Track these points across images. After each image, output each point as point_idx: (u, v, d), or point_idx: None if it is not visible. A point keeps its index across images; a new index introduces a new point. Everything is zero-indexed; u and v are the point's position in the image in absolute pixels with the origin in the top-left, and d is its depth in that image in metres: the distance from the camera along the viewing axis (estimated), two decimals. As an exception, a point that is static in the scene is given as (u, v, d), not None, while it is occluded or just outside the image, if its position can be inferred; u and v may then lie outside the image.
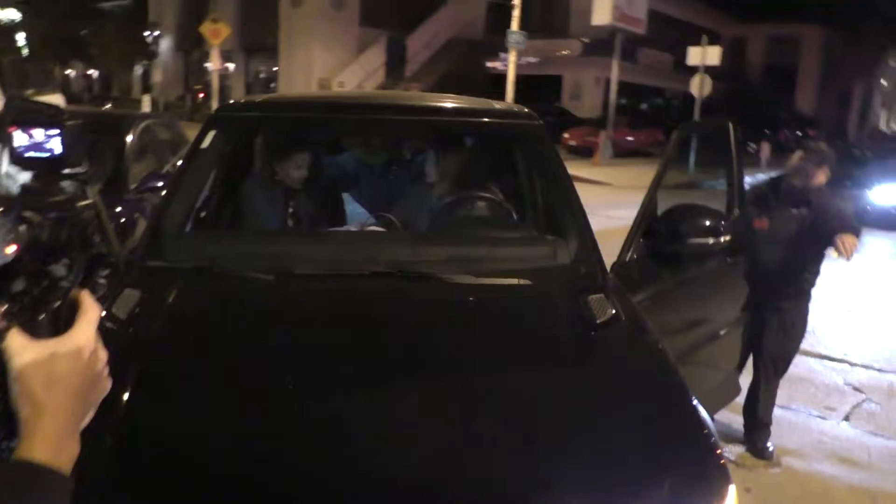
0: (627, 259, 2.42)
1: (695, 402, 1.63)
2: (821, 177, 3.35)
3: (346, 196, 3.38)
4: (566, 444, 1.45)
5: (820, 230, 3.22)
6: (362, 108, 2.77)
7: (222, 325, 1.90)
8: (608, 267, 2.28)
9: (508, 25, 17.91)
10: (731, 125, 3.05)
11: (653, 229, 2.54)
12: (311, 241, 2.46)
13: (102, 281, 2.16)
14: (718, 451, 1.51)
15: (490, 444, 1.44)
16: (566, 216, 2.39)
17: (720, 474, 1.44)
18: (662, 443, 1.49)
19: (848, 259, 3.10)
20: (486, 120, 2.71)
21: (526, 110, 2.73)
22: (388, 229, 2.78)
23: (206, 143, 2.54)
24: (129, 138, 5.18)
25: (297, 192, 2.93)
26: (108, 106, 20.38)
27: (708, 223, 2.55)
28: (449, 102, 2.72)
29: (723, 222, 2.63)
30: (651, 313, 2.11)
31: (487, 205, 2.85)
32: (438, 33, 29.33)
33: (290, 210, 2.88)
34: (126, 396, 1.48)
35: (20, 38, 31.64)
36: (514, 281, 2.13)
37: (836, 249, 3.10)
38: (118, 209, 4.47)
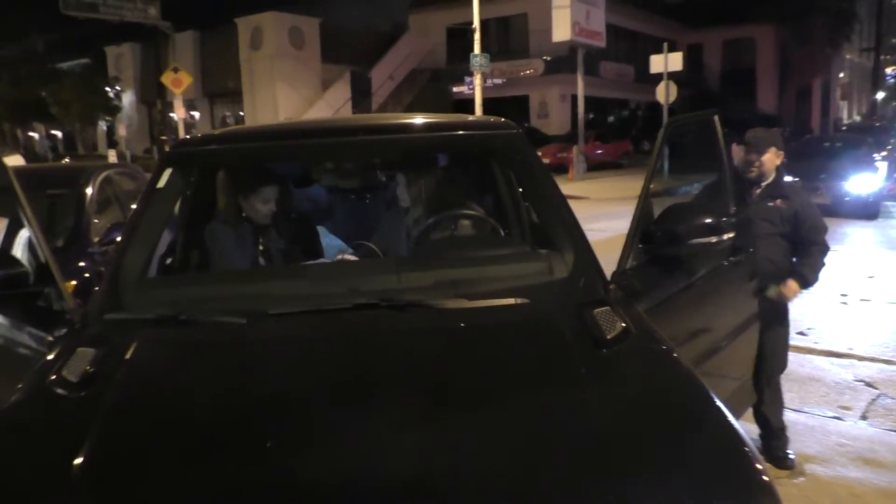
0: (627, 267, 2.26)
1: (727, 415, 1.50)
2: (773, 160, 3.32)
3: (320, 229, 3.25)
4: (601, 470, 1.33)
5: (799, 230, 3.28)
6: (328, 132, 2.63)
7: (190, 383, 1.70)
8: (608, 277, 2.15)
9: (470, 51, 18.10)
10: (716, 116, 2.91)
11: (650, 233, 2.40)
12: (285, 276, 2.29)
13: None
14: (761, 467, 1.40)
15: (518, 485, 1.29)
16: (558, 227, 2.26)
17: (767, 492, 1.34)
18: (702, 461, 1.38)
19: (787, 301, 3.27)
20: (462, 133, 2.58)
21: (502, 120, 2.62)
22: (367, 258, 2.66)
23: (162, 182, 2.39)
24: (89, 190, 4.95)
25: (266, 228, 2.78)
26: (66, 160, 20.08)
27: (709, 221, 2.40)
28: (421, 119, 2.61)
29: (723, 219, 2.47)
30: (658, 322, 1.97)
31: (472, 223, 2.74)
32: (401, 64, 29.65)
33: (261, 248, 2.74)
34: (79, 479, 1.27)
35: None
36: (511, 301, 1.96)
37: (780, 291, 3.23)
38: (81, 264, 4.25)
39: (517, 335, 1.85)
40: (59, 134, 39.96)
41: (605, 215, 11.39)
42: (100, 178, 5.23)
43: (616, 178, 20.07)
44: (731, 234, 2.44)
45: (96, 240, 4.65)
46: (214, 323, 1.88)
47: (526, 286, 2.05)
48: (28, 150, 30.31)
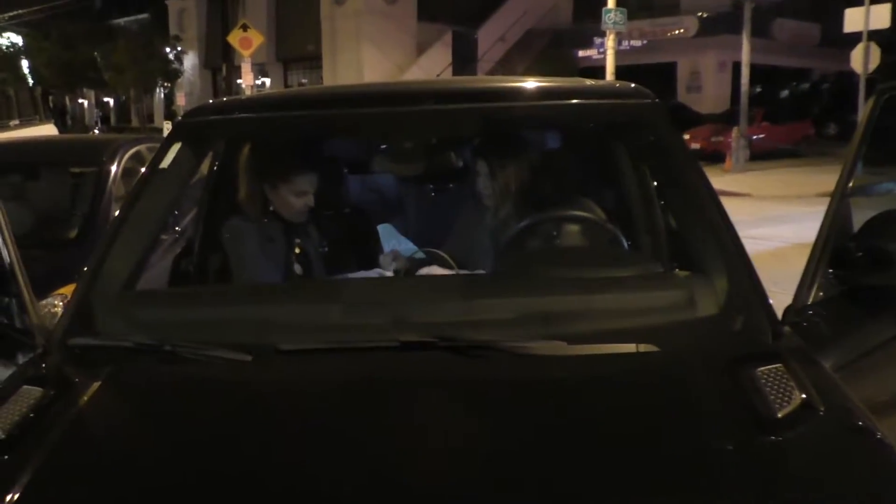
0: (810, 302, 2.06)
1: None
2: None
3: (384, 229, 3.23)
4: None
5: None
6: (386, 98, 2.50)
7: (160, 450, 1.53)
8: (779, 315, 1.97)
9: (602, 6, 17.80)
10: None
11: (846, 253, 2.19)
12: (311, 295, 2.17)
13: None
14: None
15: None
16: (707, 238, 2.10)
17: None
18: None
19: None
20: (574, 102, 2.42)
21: (632, 85, 2.46)
22: (430, 274, 2.65)
23: (167, 162, 2.31)
24: (113, 168, 4.99)
25: (305, 227, 2.78)
26: (95, 132, 21.10)
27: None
28: (516, 83, 2.46)
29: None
30: (856, 387, 1.75)
31: (581, 229, 2.65)
32: (515, 24, 29.57)
33: (297, 251, 2.76)
34: None
35: (25, 64, 33.72)
36: (632, 348, 1.76)
37: None
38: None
39: (636, 404, 1.62)
40: (111, 101, 42.55)
41: (772, 219, 10.88)
42: (129, 153, 5.30)
43: (789, 169, 19.37)
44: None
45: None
46: (209, 358, 1.76)
47: (656, 326, 1.89)
48: (75, 120, 32.36)
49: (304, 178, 2.68)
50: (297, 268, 2.75)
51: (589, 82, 2.61)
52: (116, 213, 4.74)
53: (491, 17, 29.26)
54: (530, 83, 2.43)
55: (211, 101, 2.90)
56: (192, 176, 2.46)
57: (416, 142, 3.25)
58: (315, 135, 2.89)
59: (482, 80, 3.00)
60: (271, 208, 2.72)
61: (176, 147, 2.32)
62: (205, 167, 2.91)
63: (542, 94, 2.43)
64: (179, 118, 2.59)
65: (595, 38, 19.71)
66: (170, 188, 2.33)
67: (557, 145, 3.14)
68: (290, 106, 2.55)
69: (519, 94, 2.42)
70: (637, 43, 21.04)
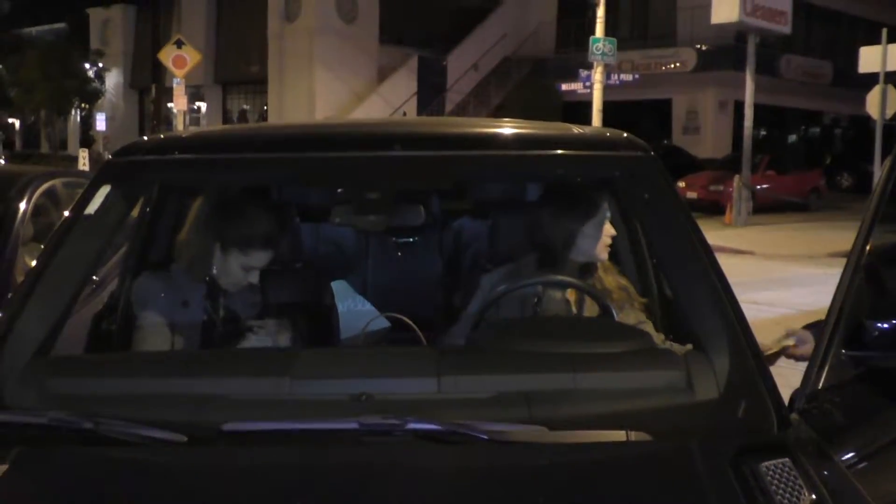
0: (821, 386, 2.09)
1: None
2: None
3: (339, 286, 3.26)
4: None
5: None
6: (353, 140, 2.55)
7: None
8: (786, 401, 2.01)
9: (589, 34, 18.08)
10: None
11: (863, 331, 2.25)
12: (260, 367, 2.18)
13: None
14: None
15: None
16: (706, 309, 2.15)
17: None
18: None
19: None
20: (560, 153, 2.46)
21: (624, 135, 2.53)
22: (401, 341, 2.71)
23: (93, 207, 2.33)
24: (22, 206, 4.95)
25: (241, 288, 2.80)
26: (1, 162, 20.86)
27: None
28: (495, 127, 2.55)
29: None
30: (873, 486, 1.81)
31: (565, 295, 2.71)
32: (490, 50, 30.20)
33: (222, 312, 2.75)
34: None
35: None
36: (620, 436, 1.80)
37: None
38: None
39: (625, 501, 1.66)
40: (16, 123, 42.05)
41: (777, 281, 11.07)
42: (41, 189, 5.25)
43: (797, 225, 19.75)
44: None
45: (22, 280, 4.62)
46: (137, 438, 1.76)
47: (648, 410, 1.92)
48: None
49: (262, 254, 2.69)
50: (220, 334, 2.75)
51: (576, 129, 2.65)
52: (25, 259, 4.75)
53: (463, 42, 29.79)
54: (514, 130, 2.49)
55: (146, 137, 2.91)
56: (121, 224, 2.47)
57: (382, 192, 3.30)
58: (272, 180, 2.91)
59: (457, 123, 3.05)
60: (210, 272, 2.72)
61: (104, 190, 2.33)
62: (135, 209, 2.93)
63: (526, 140, 2.48)
64: (110, 156, 2.56)
65: (581, 71, 19.99)
66: (95, 238, 2.33)
67: (541, 198, 3.17)
68: (243, 146, 2.55)
69: (501, 140, 2.47)
70: (628, 77, 21.33)
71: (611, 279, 2.81)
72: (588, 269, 2.82)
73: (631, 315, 2.71)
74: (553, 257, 2.83)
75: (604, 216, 2.80)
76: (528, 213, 3.09)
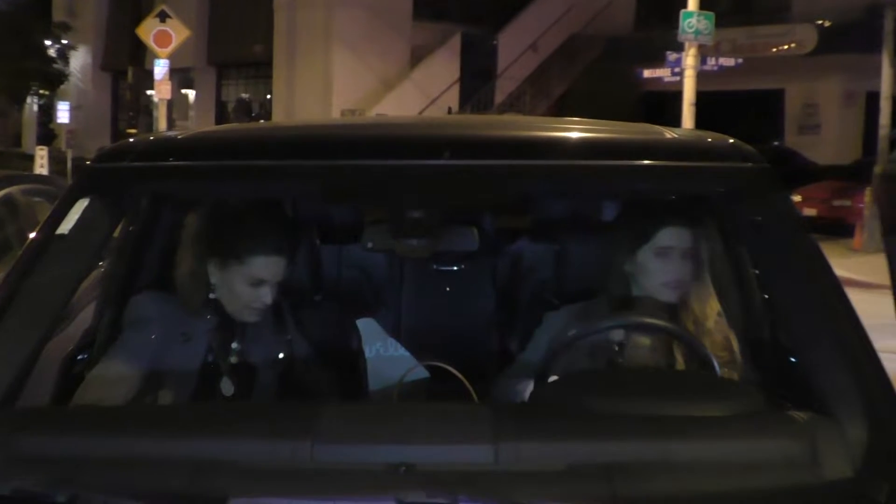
0: None
1: None
2: None
3: (366, 325, 3.28)
4: None
5: None
6: (398, 144, 2.60)
7: None
8: None
9: (677, 7, 17.95)
10: None
11: None
12: (274, 425, 2.19)
13: None
14: None
15: None
16: (835, 362, 2.15)
17: None
18: None
19: None
20: (646, 164, 2.50)
21: (731, 141, 2.58)
22: (445, 395, 2.73)
23: (69, 224, 2.38)
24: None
25: (254, 326, 2.89)
26: None
27: None
28: (570, 131, 2.65)
29: None
30: None
31: (654, 342, 2.75)
32: (552, 27, 29.69)
33: (232, 358, 2.82)
34: None
35: None
36: None
37: None
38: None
39: None
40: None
41: (921, 326, 10.76)
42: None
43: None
44: None
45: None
46: None
47: (760, 492, 1.93)
48: None
49: (265, 260, 2.73)
50: (227, 384, 2.80)
51: (668, 134, 2.68)
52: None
53: (518, 16, 29.56)
54: (586, 132, 2.59)
55: (133, 138, 2.97)
56: (103, 245, 2.51)
57: (428, 209, 3.32)
58: (291, 193, 2.97)
59: (519, 123, 3.06)
60: (212, 295, 2.78)
61: (82, 203, 2.38)
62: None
63: (603, 149, 2.54)
64: (89, 161, 2.61)
65: (668, 54, 19.81)
66: (71, 263, 2.37)
67: (623, 219, 3.19)
68: (257, 151, 2.60)
69: (571, 147, 2.53)
70: (729, 61, 21.15)
71: (711, 323, 2.83)
72: (676, 309, 2.85)
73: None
74: (629, 292, 2.87)
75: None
76: (605, 235, 3.13)
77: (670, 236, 2.84)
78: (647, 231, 2.84)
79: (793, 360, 2.56)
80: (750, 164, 2.45)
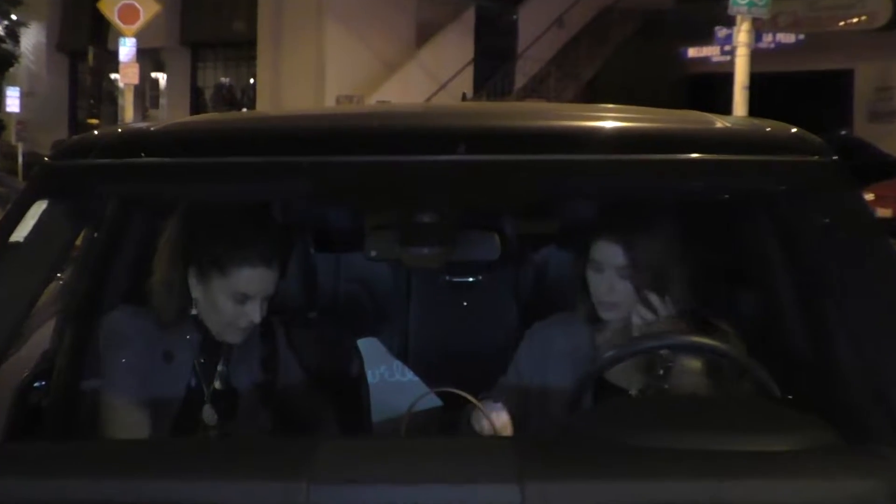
0: None
1: None
2: None
3: (367, 345, 3.28)
4: None
5: None
6: (405, 137, 2.63)
7: None
8: None
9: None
10: None
11: None
12: (265, 463, 2.21)
13: None
14: None
15: None
16: None
17: None
18: None
19: None
20: (696, 158, 2.54)
21: (794, 130, 2.64)
22: (457, 424, 2.83)
23: (24, 231, 2.42)
24: None
25: (239, 348, 2.97)
26: None
27: None
28: (606, 120, 2.72)
29: None
30: None
31: (707, 365, 2.77)
32: (580, 1, 29.52)
33: (217, 382, 2.89)
34: None
35: None
36: None
37: None
38: None
39: None
40: None
41: None
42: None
43: None
44: None
45: None
46: None
47: None
48: None
49: (251, 272, 2.76)
50: (210, 413, 2.84)
51: (720, 123, 2.71)
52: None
53: (541, -11, 29.61)
54: (624, 121, 2.66)
55: (98, 131, 3.03)
56: (65, 254, 2.56)
57: (441, 213, 3.31)
58: (282, 194, 3.00)
59: (545, 112, 3.13)
60: (193, 311, 2.81)
61: (39, 206, 2.41)
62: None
63: (646, 140, 2.57)
64: (46, 158, 2.64)
65: (717, 29, 19.97)
66: (27, 276, 2.41)
67: (670, 219, 3.22)
68: (244, 145, 2.65)
69: (608, 139, 2.57)
70: (788, 38, 21.19)
71: None
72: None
73: None
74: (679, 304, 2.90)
75: None
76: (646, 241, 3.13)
77: (601, 251, 2.92)
78: (587, 242, 2.95)
79: (869, 385, 2.52)
80: (816, 158, 2.49)
